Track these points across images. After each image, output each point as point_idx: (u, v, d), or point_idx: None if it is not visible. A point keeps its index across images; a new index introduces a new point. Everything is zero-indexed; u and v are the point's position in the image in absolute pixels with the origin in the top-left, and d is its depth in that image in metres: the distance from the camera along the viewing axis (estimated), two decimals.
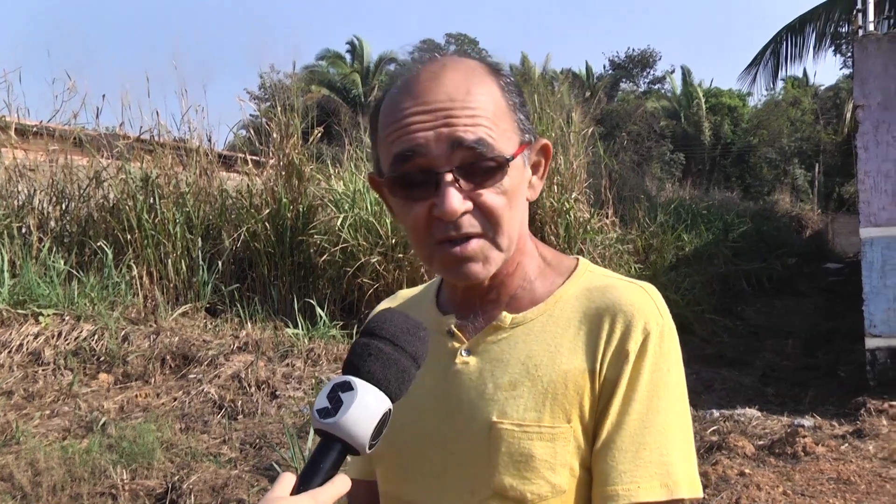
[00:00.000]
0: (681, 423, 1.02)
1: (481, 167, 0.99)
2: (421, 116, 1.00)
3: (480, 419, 1.03)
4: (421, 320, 1.11)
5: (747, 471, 4.96)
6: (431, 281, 1.22)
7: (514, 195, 1.03)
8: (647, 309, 1.04)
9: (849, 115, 22.61)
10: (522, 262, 1.10)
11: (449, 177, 0.99)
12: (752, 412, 6.26)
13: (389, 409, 0.92)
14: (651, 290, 1.08)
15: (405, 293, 1.28)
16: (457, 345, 1.09)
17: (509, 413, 1.02)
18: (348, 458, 0.92)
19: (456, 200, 0.99)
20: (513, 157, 1.01)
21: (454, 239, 1.01)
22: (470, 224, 1.01)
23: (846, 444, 5.50)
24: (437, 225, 1.01)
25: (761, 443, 5.55)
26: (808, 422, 6.04)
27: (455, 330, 1.10)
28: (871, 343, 7.23)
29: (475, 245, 1.02)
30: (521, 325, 1.07)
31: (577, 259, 1.14)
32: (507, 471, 1.00)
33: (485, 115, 1.00)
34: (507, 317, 1.07)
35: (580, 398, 1.01)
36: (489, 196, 1.00)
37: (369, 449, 0.90)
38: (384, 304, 1.26)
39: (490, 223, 1.01)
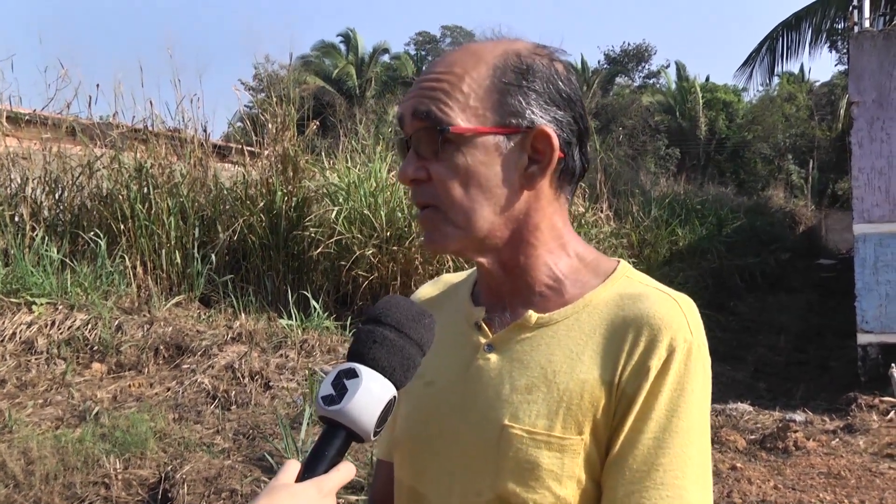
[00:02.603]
0: (700, 448, 0.97)
1: (427, 137, 1.01)
2: (412, 88, 1.05)
3: (493, 420, 1.01)
4: (455, 309, 1.13)
5: (739, 465, 4.98)
6: (474, 269, 1.18)
7: (473, 174, 1.00)
8: (677, 323, 0.99)
9: (843, 112, 22.65)
10: (544, 257, 1.06)
11: (411, 144, 1.03)
12: (743, 407, 6.29)
13: (394, 397, 0.92)
14: (686, 303, 1.03)
15: (448, 278, 1.26)
16: (482, 339, 1.07)
17: (521, 418, 0.99)
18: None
19: (408, 167, 1.03)
20: (447, 129, 0.99)
21: (420, 207, 1.05)
22: (423, 193, 1.03)
23: (837, 439, 5.53)
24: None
25: (753, 437, 5.58)
26: (799, 417, 6.08)
27: (482, 324, 1.08)
28: (862, 339, 7.27)
29: (427, 214, 1.04)
30: (546, 327, 1.04)
31: (618, 262, 1.10)
32: (512, 476, 0.98)
33: (449, 89, 1.01)
34: (532, 316, 1.04)
35: (595, 410, 0.98)
36: (436, 169, 1.01)
37: (374, 436, 0.90)
38: (427, 287, 1.26)
39: (441, 196, 1.02)
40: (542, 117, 1.02)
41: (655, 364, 0.97)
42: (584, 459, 0.98)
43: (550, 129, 1.02)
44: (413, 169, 1.03)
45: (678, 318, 0.99)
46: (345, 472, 0.90)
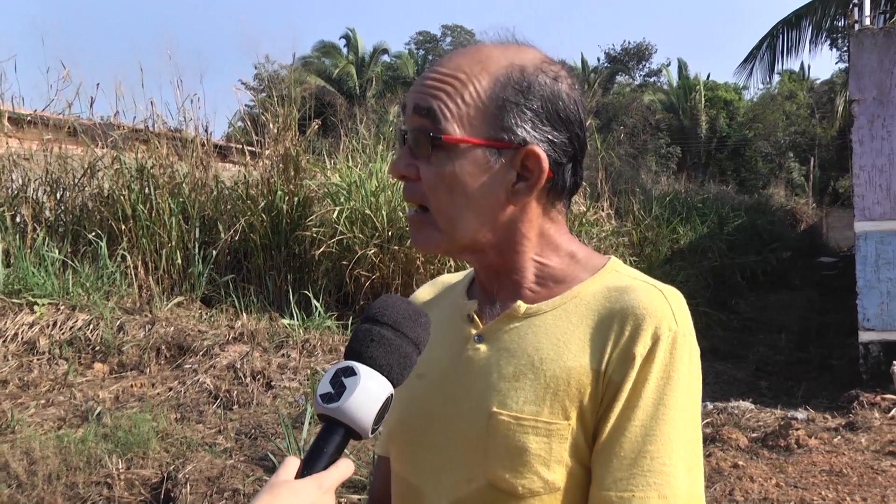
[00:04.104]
0: (688, 435, 0.98)
1: (421, 137, 1.02)
2: (418, 81, 1.06)
3: (482, 407, 1.03)
4: (451, 305, 1.16)
5: (741, 463, 4.98)
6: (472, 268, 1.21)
7: (458, 182, 1.02)
8: (661, 313, 1.00)
9: (840, 109, 22.60)
10: (533, 259, 1.08)
11: (408, 140, 1.04)
12: (745, 405, 6.29)
13: (391, 394, 0.93)
14: (671, 294, 1.04)
15: (445, 279, 1.28)
16: (473, 331, 1.09)
17: (509, 404, 1.01)
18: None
19: (400, 162, 1.05)
20: (440, 137, 1.00)
21: (408, 204, 1.07)
22: (411, 191, 1.05)
23: (839, 437, 5.53)
24: None
25: (755, 435, 5.58)
26: (801, 414, 6.07)
27: (474, 316, 1.10)
28: (864, 337, 7.26)
29: (415, 216, 1.06)
30: (534, 317, 1.06)
31: (609, 258, 1.12)
32: (500, 462, 1.00)
33: (451, 92, 1.02)
34: (521, 306, 1.07)
35: (582, 397, 0.99)
36: (425, 170, 1.03)
37: (371, 433, 0.91)
38: (426, 289, 1.28)
39: (428, 198, 1.04)
40: (535, 137, 1.03)
41: (640, 351, 0.98)
42: (570, 444, 0.99)
43: (541, 150, 1.03)
44: (404, 165, 1.05)
45: (663, 308, 1.01)
46: (344, 468, 0.92)
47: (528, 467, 0.99)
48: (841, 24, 16.46)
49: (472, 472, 1.03)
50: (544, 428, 0.99)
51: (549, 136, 1.04)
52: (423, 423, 1.09)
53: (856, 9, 8.35)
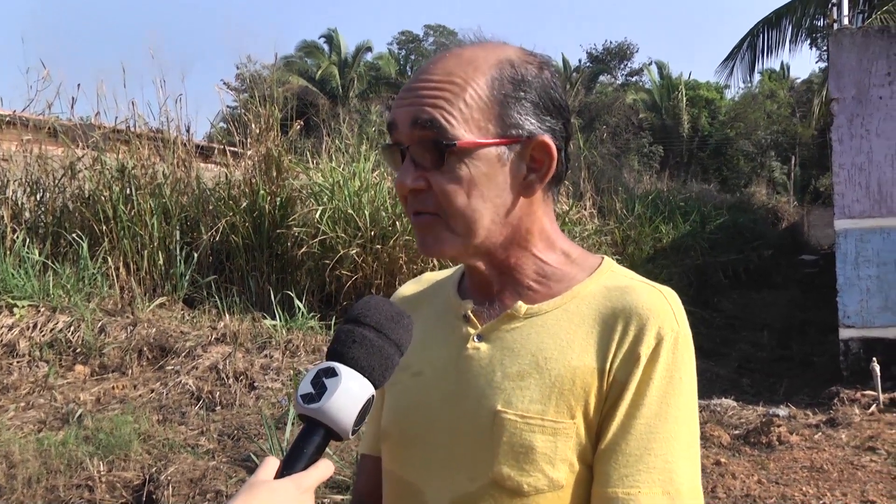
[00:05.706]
0: (689, 433, 1.01)
1: (429, 148, 1.02)
2: (406, 93, 1.05)
3: (485, 406, 1.04)
4: (441, 303, 1.16)
5: (723, 460, 5.02)
6: (458, 266, 1.22)
7: (475, 185, 1.02)
8: (663, 314, 1.03)
9: (818, 108, 22.75)
10: (533, 257, 1.10)
11: (408, 153, 1.04)
12: (728, 402, 6.33)
13: (373, 396, 0.93)
14: (670, 295, 1.07)
15: (430, 276, 1.28)
16: (471, 330, 1.09)
17: (514, 403, 1.02)
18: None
19: (406, 176, 1.04)
20: (454, 143, 1.00)
21: (416, 212, 1.06)
22: (421, 202, 1.05)
23: (819, 433, 5.57)
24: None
25: (737, 432, 5.62)
26: (782, 411, 6.12)
27: (471, 315, 1.10)
28: (844, 334, 7.34)
29: (426, 222, 1.05)
30: (535, 317, 1.07)
31: (602, 258, 1.14)
32: (506, 460, 1.01)
33: (452, 98, 1.01)
34: (521, 306, 1.08)
35: (586, 395, 1.01)
36: (437, 179, 1.02)
37: (352, 434, 0.91)
38: (410, 285, 1.28)
39: (442, 205, 1.03)
40: (539, 127, 1.05)
41: (645, 352, 1.00)
42: (575, 443, 1.01)
43: (549, 139, 1.05)
44: (412, 179, 1.03)
45: (664, 309, 1.04)
46: (323, 469, 0.92)
47: (534, 466, 1.00)
48: (820, 23, 16.58)
49: (475, 470, 1.03)
50: (550, 427, 1.00)
51: (550, 125, 1.06)
52: (421, 421, 1.10)
53: (835, 8, 8.42)
